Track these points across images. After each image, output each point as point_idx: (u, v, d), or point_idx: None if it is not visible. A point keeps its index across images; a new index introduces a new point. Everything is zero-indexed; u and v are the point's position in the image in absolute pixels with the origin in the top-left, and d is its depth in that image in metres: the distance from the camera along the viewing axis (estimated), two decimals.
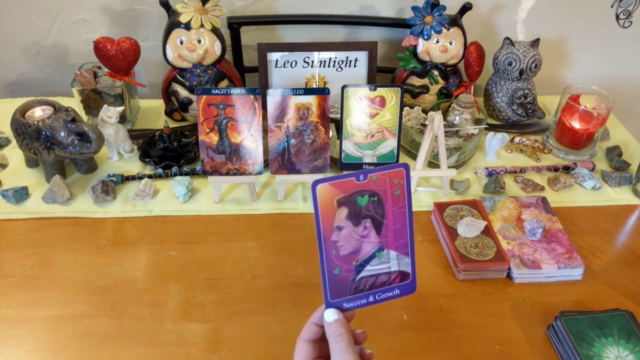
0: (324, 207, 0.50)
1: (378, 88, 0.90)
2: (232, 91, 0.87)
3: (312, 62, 1.12)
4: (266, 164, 0.93)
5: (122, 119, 1.05)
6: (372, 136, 0.92)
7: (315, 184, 0.49)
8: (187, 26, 1.01)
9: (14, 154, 1.01)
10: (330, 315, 0.51)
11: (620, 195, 0.99)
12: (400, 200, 0.52)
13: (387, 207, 0.52)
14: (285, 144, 0.91)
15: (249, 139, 0.90)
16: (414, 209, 0.93)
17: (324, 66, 1.12)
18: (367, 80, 1.14)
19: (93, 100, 1.07)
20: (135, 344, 0.70)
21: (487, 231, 0.85)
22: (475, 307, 0.77)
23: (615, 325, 0.71)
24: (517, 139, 1.08)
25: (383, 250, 0.52)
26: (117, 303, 0.76)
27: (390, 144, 0.93)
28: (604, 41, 1.28)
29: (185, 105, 1.08)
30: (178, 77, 1.07)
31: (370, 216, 0.51)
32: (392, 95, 0.90)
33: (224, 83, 1.09)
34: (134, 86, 1.11)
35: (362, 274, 0.52)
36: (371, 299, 0.53)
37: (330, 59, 1.12)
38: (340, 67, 1.13)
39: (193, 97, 1.07)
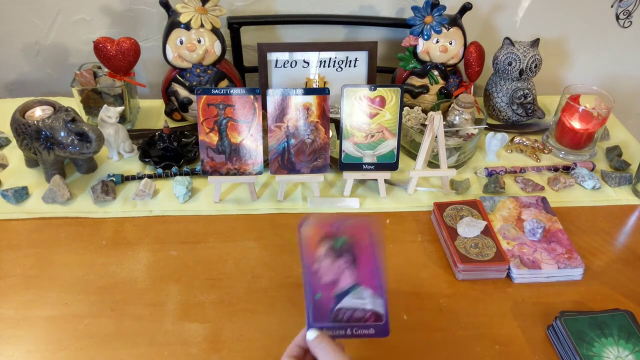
0: (308, 241, 0.58)
1: (378, 88, 0.90)
2: (232, 91, 0.87)
3: (312, 62, 1.12)
4: (266, 164, 0.93)
5: (122, 119, 1.05)
6: (372, 136, 0.92)
7: (301, 222, 0.58)
8: (187, 26, 1.01)
9: (14, 154, 1.01)
10: (312, 333, 0.55)
11: (620, 195, 0.99)
12: (372, 247, 0.59)
13: (360, 250, 0.59)
14: (285, 144, 0.91)
15: (249, 139, 0.90)
16: (414, 209, 0.93)
17: (324, 66, 1.12)
18: (367, 80, 1.14)
19: (93, 100, 1.07)
20: (135, 344, 0.70)
21: (487, 231, 0.85)
22: (475, 307, 0.77)
23: (615, 325, 0.71)
24: (517, 139, 1.08)
25: (359, 286, 0.58)
26: (117, 303, 0.76)
27: (390, 144, 0.93)
28: (604, 41, 1.28)
29: (185, 105, 1.08)
30: (178, 77, 1.07)
31: (346, 255, 0.59)
32: (392, 95, 0.90)
33: (224, 83, 1.09)
34: (134, 86, 1.11)
35: (341, 304, 0.57)
36: (349, 331, 0.57)
37: (330, 59, 1.12)
38: (340, 67, 1.13)
39: (193, 97, 1.07)
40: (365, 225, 0.61)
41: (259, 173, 0.92)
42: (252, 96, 0.88)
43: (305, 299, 0.58)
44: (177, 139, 1.03)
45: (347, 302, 0.58)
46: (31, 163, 0.98)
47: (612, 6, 1.23)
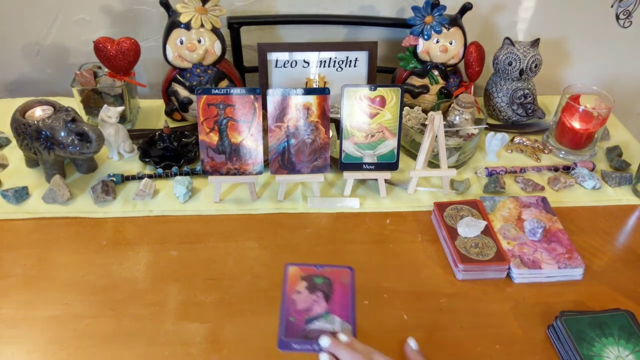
0: (292, 278, 0.76)
1: (378, 88, 0.90)
2: (232, 91, 0.87)
3: (312, 62, 1.12)
4: (266, 164, 0.93)
5: (122, 119, 1.05)
6: (372, 136, 0.92)
7: (287, 265, 0.77)
8: (187, 26, 1.01)
9: (14, 154, 1.01)
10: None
11: (620, 195, 0.99)
12: (346, 287, 0.75)
13: (335, 288, 0.75)
14: (285, 144, 0.91)
15: (249, 139, 0.90)
16: (414, 209, 0.94)
17: (324, 66, 1.12)
18: (367, 80, 1.14)
19: (93, 100, 1.07)
20: (135, 344, 0.70)
21: (487, 231, 0.85)
22: (475, 307, 0.77)
23: (615, 325, 0.71)
24: (517, 139, 1.08)
25: (329, 314, 0.72)
26: (117, 303, 0.76)
27: (390, 144, 0.93)
28: (604, 41, 1.28)
29: (185, 105, 1.08)
30: (178, 77, 1.07)
31: (322, 290, 0.74)
32: (392, 95, 0.90)
33: (224, 83, 1.09)
34: (134, 86, 1.11)
35: (312, 326, 0.70)
36: (316, 347, 0.67)
37: (330, 59, 1.12)
38: (340, 67, 1.13)
39: (193, 97, 1.07)
40: (344, 270, 0.78)
41: (259, 173, 0.92)
42: (252, 96, 0.88)
43: (279, 319, 0.71)
44: (177, 139, 1.03)
45: (317, 325, 0.70)
46: (31, 163, 0.98)
47: (612, 6, 1.23)
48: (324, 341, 0.67)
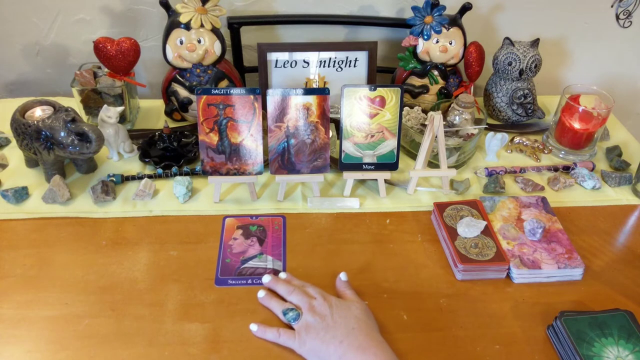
0: (228, 228, 0.87)
1: (378, 88, 0.90)
2: (232, 91, 0.87)
3: (312, 62, 1.12)
4: (266, 164, 0.93)
5: (122, 119, 1.06)
6: (372, 136, 0.92)
7: (224, 218, 0.88)
8: (187, 26, 1.01)
9: (14, 154, 1.01)
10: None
11: (620, 195, 0.99)
12: (278, 232, 0.87)
13: (268, 233, 0.87)
14: (285, 144, 0.91)
15: (249, 139, 0.90)
16: (414, 209, 0.94)
17: (324, 66, 1.12)
18: (367, 80, 1.14)
19: (93, 100, 1.07)
20: (135, 344, 0.70)
21: (487, 231, 0.85)
22: (475, 307, 0.77)
23: (615, 325, 0.71)
24: (517, 139, 1.08)
25: (263, 254, 0.83)
26: (117, 303, 0.76)
27: (390, 144, 0.93)
28: (604, 41, 1.28)
29: (185, 105, 1.08)
30: (178, 77, 1.07)
31: (257, 236, 0.86)
32: (392, 95, 0.90)
33: (224, 83, 1.09)
34: (134, 86, 1.11)
35: (245, 265, 0.81)
36: (249, 281, 0.79)
37: (330, 59, 1.12)
38: (340, 67, 1.13)
39: (193, 97, 1.07)
40: (277, 218, 0.89)
41: (259, 173, 0.92)
42: (252, 96, 0.88)
43: (217, 260, 0.81)
44: (177, 139, 1.03)
45: (251, 264, 0.81)
46: (31, 163, 0.98)
47: (612, 6, 1.23)
48: (266, 278, 0.77)
